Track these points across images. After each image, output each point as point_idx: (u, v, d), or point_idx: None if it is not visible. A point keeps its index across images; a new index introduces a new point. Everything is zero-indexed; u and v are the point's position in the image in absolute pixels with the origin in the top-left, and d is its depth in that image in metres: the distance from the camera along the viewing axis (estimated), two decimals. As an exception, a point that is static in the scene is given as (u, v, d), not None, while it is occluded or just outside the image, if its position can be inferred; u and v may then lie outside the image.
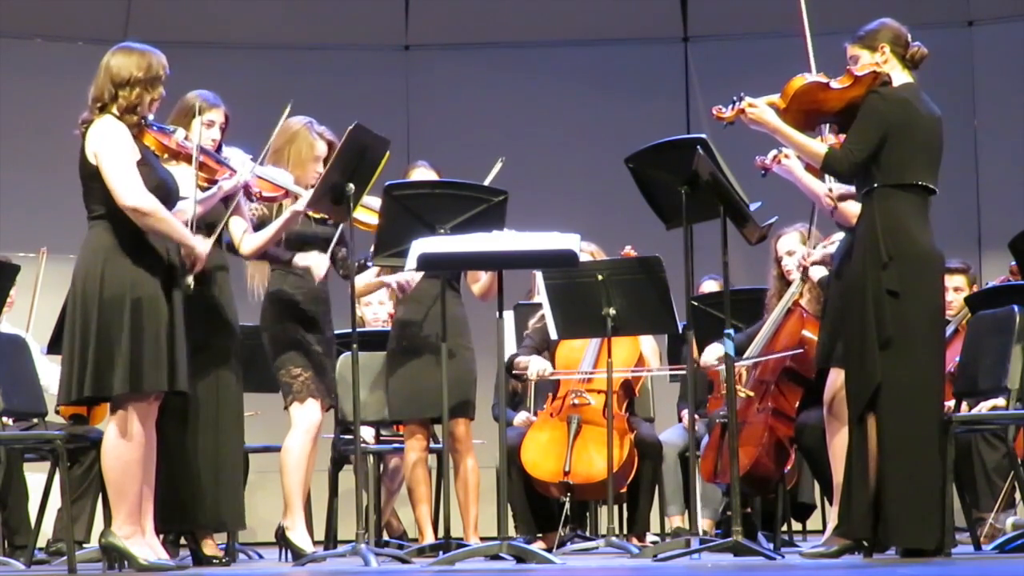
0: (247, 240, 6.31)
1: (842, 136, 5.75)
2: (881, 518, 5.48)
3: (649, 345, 7.52)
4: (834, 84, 5.67)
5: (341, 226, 6.38)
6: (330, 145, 6.45)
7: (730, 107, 5.79)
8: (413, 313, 6.74)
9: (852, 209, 5.93)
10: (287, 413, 6.43)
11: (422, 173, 6.86)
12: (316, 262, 6.37)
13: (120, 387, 5.44)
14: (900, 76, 5.69)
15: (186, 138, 5.82)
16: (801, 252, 6.82)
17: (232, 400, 6.20)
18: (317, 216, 6.46)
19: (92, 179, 5.54)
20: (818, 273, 6.76)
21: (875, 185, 5.58)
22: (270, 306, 6.47)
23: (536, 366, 7.38)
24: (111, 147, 5.48)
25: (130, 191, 5.47)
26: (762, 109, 5.71)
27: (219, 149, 6.13)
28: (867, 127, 5.59)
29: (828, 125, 5.86)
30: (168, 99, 5.79)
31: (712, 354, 6.97)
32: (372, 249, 6.34)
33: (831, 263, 6.19)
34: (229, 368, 6.18)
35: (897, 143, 5.57)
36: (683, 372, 7.87)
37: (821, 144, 5.70)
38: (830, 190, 5.95)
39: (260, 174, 6.16)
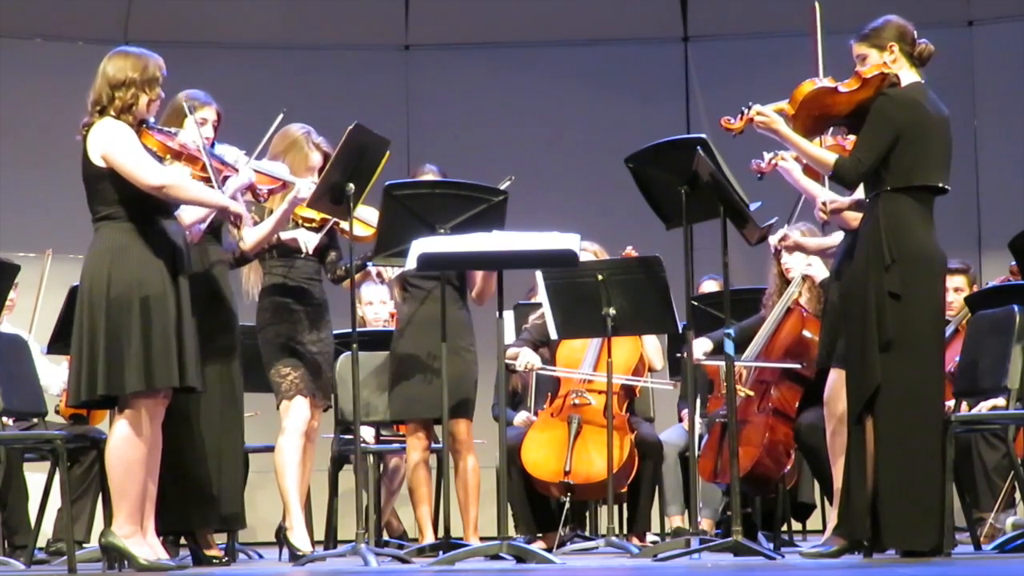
0: (248, 233, 6.32)
1: (849, 139, 5.73)
2: (878, 519, 5.47)
3: (652, 344, 7.51)
4: (842, 88, 5.59)
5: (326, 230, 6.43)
6: (325, 156, 6.45)
7: (738, 117, 5.73)
8: (416, 314, 6.73)
9: (850, 214, 5.92)
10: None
11: (430, 178, 6.84)
12: (303, 235, 6.39)
13: (134, 385, 5.46)
14: (908, 75, 5.62)
15: (192, 141, 5.83)
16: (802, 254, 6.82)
17: (232, 398, 6.20)
18: (307, 225, 6.47)
19: (97, 181, 5.56)
20: (821, 274, 6.75)
21: (885, 189, 5.53)
22: (264, 307, 6.50)
23: (525, 357, 7.37)
24: (118, 141, 5.52)
25: (150, 172, 5.52)
26: (771, 117, 5.65)
27: (212, 146, 6.13)
28: (876, 133, 5.52)
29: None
30: (167, 100, 5.81)
31: (699, 348, 6.96)
32: (373, 250, 6.35)
33: (829, 258, 6.17)
34: (229, 366, 6.18)
35: (908, 145, 5.51)
36: (678, 393, 7.91)
37: (830, 154, 5.62)
38: (824, 204, 5.89)
39: (256, 168, 6.16)
